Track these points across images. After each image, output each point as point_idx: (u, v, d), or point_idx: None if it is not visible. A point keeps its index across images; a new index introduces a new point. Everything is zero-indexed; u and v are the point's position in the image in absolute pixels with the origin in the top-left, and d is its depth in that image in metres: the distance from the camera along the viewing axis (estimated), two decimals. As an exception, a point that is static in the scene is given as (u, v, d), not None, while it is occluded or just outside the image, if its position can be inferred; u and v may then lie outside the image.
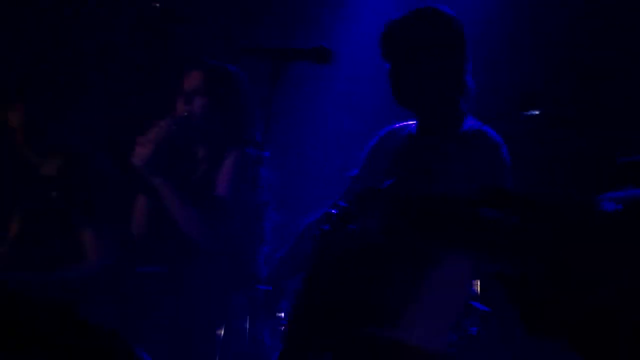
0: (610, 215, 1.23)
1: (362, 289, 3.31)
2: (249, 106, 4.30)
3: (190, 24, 5.67)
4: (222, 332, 3.82)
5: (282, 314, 3.59)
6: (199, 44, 5.41)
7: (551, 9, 5.08)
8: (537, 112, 3.22)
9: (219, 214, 4.12)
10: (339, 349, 3.29)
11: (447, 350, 3.42)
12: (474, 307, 3.99)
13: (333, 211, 3.43)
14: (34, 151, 4.55)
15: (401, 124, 3.70)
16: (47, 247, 4.49)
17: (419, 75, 3.51)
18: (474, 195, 1.70)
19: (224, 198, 4.16)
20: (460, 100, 3.55)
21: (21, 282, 4.33)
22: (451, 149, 3.41)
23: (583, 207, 1.29)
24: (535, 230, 1.38)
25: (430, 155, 3.48)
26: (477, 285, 3.68)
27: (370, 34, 3.67)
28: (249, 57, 3.93)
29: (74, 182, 4.49)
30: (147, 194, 4.24)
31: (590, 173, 4.73)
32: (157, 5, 5.73)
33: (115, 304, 4.35)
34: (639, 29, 4.79)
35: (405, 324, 3.30)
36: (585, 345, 1.20)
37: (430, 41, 3.52)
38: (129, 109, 5.42)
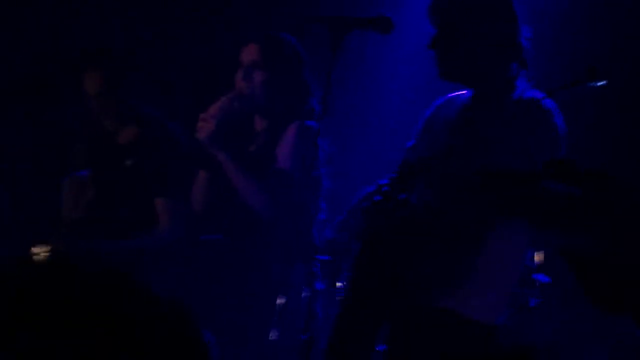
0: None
1: (416, 259, 3.31)
2: (308, 77, 4.30)
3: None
4: (282, 301, 3.83)
5: (341, 284, 3.59)
6: (257, 14, 5.40)
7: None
8: (603, 83, 3.16)
9: (280, 185, 4.14)
10: (396, 317, 3.31)
11: (502, 322, 3.42)
12: (534, 279, 3.97)
13: (383, 182, 3.43)
14: (109, 119, 4.59)
15: (456, 93, 3.67)
16: (121, 214, 4.55)
17: (463, 44, 3.48)
18: (537, 167, 1.69)
19: (286, 170, 4.18)
20: (513, 66, 3.51)
21: (93, 250, 4.39)
22: (505, 116, 3.38)
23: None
24: (599, 204, 1.36)
25: (483, 124, 3.45)
26: (540, 257, 3.66)
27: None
28: (309, 26, 3.92)
29: (148, 151, 4.53)
30: (208, 169, 4.27)
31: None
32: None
33: (178, 272, 4.39)
34: None
35: (461, 295, 3.30)
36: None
37: (472, 8, 3.48)
38: (191, 83, 5.45)
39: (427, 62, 3.64)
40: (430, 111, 3.72)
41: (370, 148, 5.55)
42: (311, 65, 4.31)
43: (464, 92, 3.63)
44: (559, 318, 4.59)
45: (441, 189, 3.36)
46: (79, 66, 4.66)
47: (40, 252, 4.27)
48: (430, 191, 3.39)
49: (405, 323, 3.34)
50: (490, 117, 3.43)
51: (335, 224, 3.73)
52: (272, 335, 3.84)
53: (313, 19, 3.76)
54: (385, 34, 3.56)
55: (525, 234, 3.40)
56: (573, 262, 1.52)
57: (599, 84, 3.18)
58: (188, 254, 4.43)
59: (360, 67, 5.44)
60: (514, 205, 1.54)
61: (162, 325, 1.53)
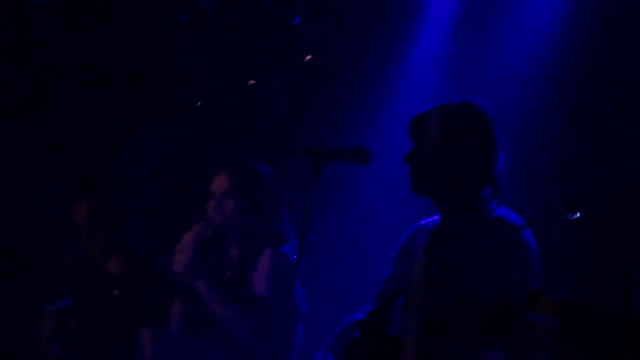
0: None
1: None
2: (279, 203, 4.35)
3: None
4: None
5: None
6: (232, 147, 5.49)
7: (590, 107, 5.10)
8: (578, 215, 3.20)
9: (258, 313, 4.13)
10: None
11: None
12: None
13: (360, 316, 3.41)
14: (98, 249, 4.59)
15: (426, 220, 3.69)
16: (104, 345, 4.50)
17: (438, 162, 3.50)
18: (514, 298, 1.70)
19: (263, 297, 4.18)
20: (487, 190, 3.52)
21: None
22: (480, 243, 3.38)
23: (624, 315, 1.29)
24: (578, 336, 1.38)
25: (456, 250, 3.44)
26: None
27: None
28: (288, 158, 3.98)
29: (136, 284, 4.52)
30: (186, 299, 4.27)
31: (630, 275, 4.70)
32: (199, 104, 5.81)
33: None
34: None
35: None
36: None
37: (452, 128, 3.51)
38: (167, 214, 5.49)
39: (401, 188, 3.67)
40: (403, 240, 3.72)
41: (349, 276, 5.56)
42: (281, 193, 4.37)
43: (434, 217, 3.65)
44: None
45: (421, 320, 3.34)
46: (71, 195, 4.69)
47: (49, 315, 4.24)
48: (411, 322, 3.37)
49: None
50: (463, 243, 3.42)
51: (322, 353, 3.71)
52: None
53: (293, 151, 3.81)
54: (364, 164, 3.59)
55: None
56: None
57: (576, 216, 3.21)
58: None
59: (336, 193, 5.49)
60: (492, 337, 1.56)
61: None
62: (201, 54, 5.79)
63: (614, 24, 5.05)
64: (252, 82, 5.83)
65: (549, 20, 5.36)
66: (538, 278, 3.38)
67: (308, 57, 5.73)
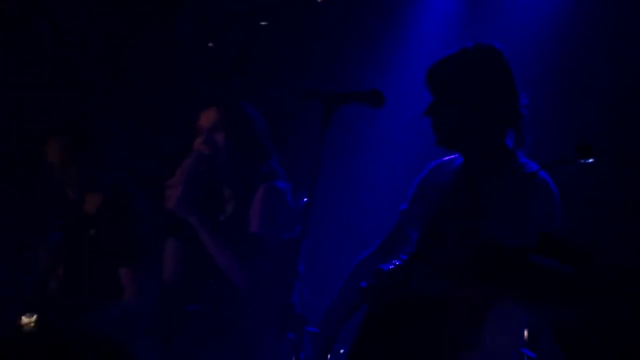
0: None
1: (419, 338, 3.28)
2: (268, 144, 4.32)
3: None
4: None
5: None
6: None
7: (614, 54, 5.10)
8: (592, 160, 3.17)
9: (253, 251, 4.12)
10: None
11: None
12: (523, 353, 3.95)
13: (385, 267, 3.40)
14: (72, 187, 4.59)
15: (449, 157, 3.67)
16: (89, 284, 4.51)
17: (455, 113, 3.46)
18: (530, 243, 1.70)
19: (257, 235, 4.15)
20: (509, 134, 3.49)
21: (69, 322, 4.36)
22: (502, 186, 3.35)
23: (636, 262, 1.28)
24: (591, 282, 1.37)
25: (479, 192, 3.43)
26: (524, 332, 3.63)
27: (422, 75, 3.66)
28: (303, 100, 3.95)
29: (111, 221, 4.51)
30: (179, 237, 4.25)
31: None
32: (211, 45, 5.80)
33: (158, 343, 4.35)
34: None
35: None
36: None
37: (470, 75, 3.47)
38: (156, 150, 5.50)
39: (417, 129, 3.65)
40: (424, 174, 3.71)
41: (362, 211, 5.58)
42: (268, 131, 4.35)
43: (456, 155, 3.63)
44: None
45: (440, 263, 3.33)
46: (44, 135, 4.68)
47: (28, 322, 4.24)
48: (430, 266, 3.37)
49: None
50: (486, 185, 3.40)
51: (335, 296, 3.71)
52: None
53: (306, 94, 3.77)
54: (378, 107, 3.56)
55: (521, 308, 3.37)
56: (561, 337, 1.52)
57: (589, 161, 3.19)
58: (166, 324, 4.40)
59: (353, 133, 5.50)
60: (505, 281, 1.55)
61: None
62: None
63: (614, 23, 5.07)
64: (263, 23, 5.82)
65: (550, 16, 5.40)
66: (561, 221, 3.38)
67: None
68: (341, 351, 3.81)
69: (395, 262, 3.38)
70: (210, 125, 4.28)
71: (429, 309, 3.25)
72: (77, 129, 4.62)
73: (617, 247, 4.65)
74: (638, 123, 5.14)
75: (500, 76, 3.49)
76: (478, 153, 3.51)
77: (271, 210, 4.16)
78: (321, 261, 4.35)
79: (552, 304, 1.50)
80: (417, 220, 3.63)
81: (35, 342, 1.56)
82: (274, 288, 4.06)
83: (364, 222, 5.35)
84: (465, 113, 3.45)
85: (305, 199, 3.62)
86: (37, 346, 1.55)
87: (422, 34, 5.79)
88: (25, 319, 4.26)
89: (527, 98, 3.53)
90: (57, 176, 4.58)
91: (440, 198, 3.52)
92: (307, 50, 5.91)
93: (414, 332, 3.26)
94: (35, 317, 4.26)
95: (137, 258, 4.45)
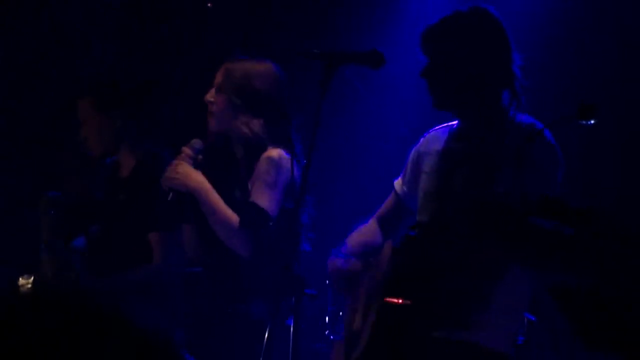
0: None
1: (436, 296, 3.31)
2: (282, 105, 4.24)
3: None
4: (267, 334, 3.80)
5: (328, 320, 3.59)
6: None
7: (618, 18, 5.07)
8: (593, 122, 3.16)
9: (255, 221, 4.07)
10: (414, 350, 3.30)
11: (513, 351, 3.44)
12: (524, 316, 3.96)
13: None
14: (96, 145, 4.60)
15: (443, 126, 3.66)
16: (115, 248, 4.52)
17: (450, 75, 3.47)
18: (530, 204, 1.68)
19: (258, 205, 4.07)
20: (505, 94, 3.48)
21: (95, 286, 4.37)
22: (506, 148, 3.34)
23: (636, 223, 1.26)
24: (591, 243, 1.36)
25: (479, 154, 3.42)
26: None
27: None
28: (301, 59, 3.90)
29: (144, 187, 4.50)
30: (192, 216, 4.22)
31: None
32: (210, 5, 5.77)
33: (163, 305, 4.37)
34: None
35: (477, 327, 3.29)
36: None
37: (465, 36, 3.47)
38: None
39: (413, 95, 3.64)
40: (418, 144, 3.71)
41: (357, 182, 5.57)
42: (300, 98, 4.28)
43: (451, 123, 3.62)
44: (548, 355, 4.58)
45: (446, 225, 3.35)
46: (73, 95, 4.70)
47: (25, 283, 4.24)
48: (437, 227, 3.39)
49: (424, 355, 3.34)
50: (488, 147, 3.41)
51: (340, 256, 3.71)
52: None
53: (304, 53, 3.73)
54: (377, 68, 3.53)
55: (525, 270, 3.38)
56: (562, 299, 1.51)
57: (591, 122, 3.17)
58: (173, 286, 4.41)
59: (351, 99, 5.47)
60: (506, 243, 1.53)
61: (147, 358, 1.51)
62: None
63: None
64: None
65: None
66: (564, 179, 3.38)
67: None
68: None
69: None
70: (218, 83, 4.24)
71: (443, 271, 3.28)
72: (106, 88, 4.64)
73: (618, 208, 4.65)
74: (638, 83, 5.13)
75: (494, 37, 3.50)
76: (474, 114, 3.51)
77: (271, 180, 4.09)
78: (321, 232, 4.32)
79: (552, 265, 1.48)
80: (415, 191, 3.63)
81: (30, 303, 1.55)
82: (276, 256, 4.02)
83: (363, 195, 5.34)
84: (460, 74, 3.46)
85: (303, 162, 3.60)
86: (33, 308, 1.54)
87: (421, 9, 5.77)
88: (22, 280, 4.27)
89: (522, 60, 3.52)
90: (84, 134, 4.60)
91: (441, 164, 3.52)
92: (306, 13, 5.88)
93: (431, 292, 3.29)
94: (32, 278, 4.26)
95: (165, 224, 4.44)
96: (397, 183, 3.78)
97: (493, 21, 3.52)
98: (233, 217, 4.07)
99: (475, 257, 3.23)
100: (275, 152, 4.13)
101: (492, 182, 3.25)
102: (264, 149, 4.16)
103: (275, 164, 4.11)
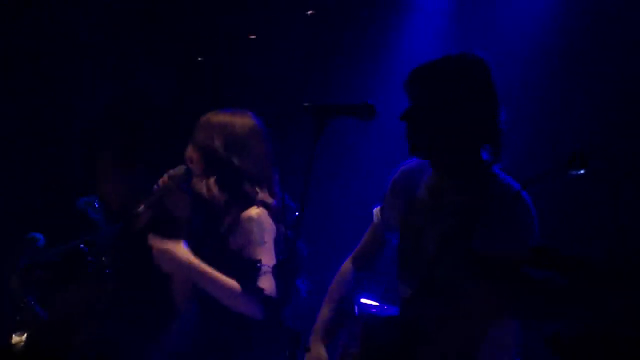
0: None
1: (420, 351, 3.28)
2: (266, 158, 4.26)
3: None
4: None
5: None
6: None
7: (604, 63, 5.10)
8: (582, 172, 3.15)
9: (254, 276, 4.05)
10: None
11: None
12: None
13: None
14: (117, 200, 4.59)
15: (418, 162, 3.60)
16: (136, 304, 4.50)
17: (432, 122, 3.41)
18: (523, 255, 1.70)
19: (254, 260, 4.07)
20: (486, 148, 3.42)
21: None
22: (486, 205, 3.30)
23: (631, 272, 1.28)
24: (585, 293, 1.37)
25: (460, 212, 3.36)
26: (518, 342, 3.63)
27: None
28: (295, 113, 3.92)
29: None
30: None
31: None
32: (200, 59, 5.81)
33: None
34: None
35: None
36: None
37: (451, 83, 3.40)
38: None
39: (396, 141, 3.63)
40: (396, 175, 3.67)
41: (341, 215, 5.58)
42: (293, 151, 4.29)
43: (421, 161, 3.59)
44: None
45: (431, 279, 3.33)
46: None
47: (19, 341, 4.22)
48: (421, 283, 3.37)
49: None
50: (466, 204, 3.34)
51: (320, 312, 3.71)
52: None
53: (297, 107, 3.75)
54: (368, 120, 3.53)
55: (516, 320, 3.35)
56: (556, 346, 1.53)
57: (581, 172, 3.13)
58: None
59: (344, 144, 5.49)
60: (501, 295, 1.55)
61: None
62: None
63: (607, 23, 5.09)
64: (252, 36, 5.83)
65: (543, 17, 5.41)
66: (537, 240, 3.35)
67: (310, 12, 5.72)
68: None
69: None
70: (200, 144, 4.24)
71: (426, 332, 3.25)
72: (122, 140, 4.65)
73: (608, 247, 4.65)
74: (630, 128, 5.14)
75: (480, 87, 3.43)
76: (451, 166, 3.45)
77: (261, 237, 4.09)
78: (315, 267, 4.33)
79: (549, 315, 1.50)
80: (394, 225, 3.62)
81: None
82: (273, 306, 4.00)
83: (355, 230, 5.36)
84: (441, 120, 3.39)
85: (296, 214, 3.61)
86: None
87: (413, 44, 5.80)
88: (15, 338, 4.24)
89: (506, 114, 3.46)
90: (103, 189, 4.59)
91: (415, 219, 3.50)
92: (299, 62, 5.91)
93: (414, 354, 3.26)
94: (25, 336, 4.24)
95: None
96: (376, 212, 3.76)
97: (481, 71, 3.44)
98: (232, 283, 4.05)
99: (462, 314, 3.19)
100: (253, 211, 4.14)
101: (468, 239, 3.21)
102: (243, 209, 4.14)
103: (256, 222, 4.11)
